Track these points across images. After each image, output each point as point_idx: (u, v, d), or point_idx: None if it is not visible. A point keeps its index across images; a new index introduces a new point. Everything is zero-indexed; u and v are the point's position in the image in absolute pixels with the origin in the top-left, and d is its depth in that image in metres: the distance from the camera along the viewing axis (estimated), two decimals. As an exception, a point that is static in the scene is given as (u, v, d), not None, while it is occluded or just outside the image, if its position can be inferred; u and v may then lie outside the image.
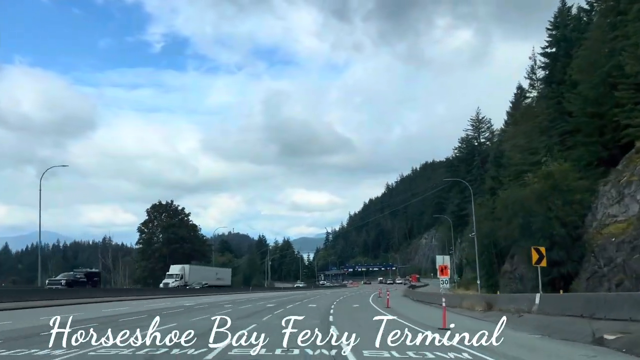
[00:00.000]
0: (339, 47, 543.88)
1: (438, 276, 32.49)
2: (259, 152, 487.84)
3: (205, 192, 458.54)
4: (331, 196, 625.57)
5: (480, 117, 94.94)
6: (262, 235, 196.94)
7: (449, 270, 31.75)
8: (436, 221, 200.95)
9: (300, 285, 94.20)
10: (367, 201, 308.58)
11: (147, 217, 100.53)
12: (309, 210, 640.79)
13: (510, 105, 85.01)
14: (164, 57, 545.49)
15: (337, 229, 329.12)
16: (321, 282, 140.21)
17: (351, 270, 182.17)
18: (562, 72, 48.57)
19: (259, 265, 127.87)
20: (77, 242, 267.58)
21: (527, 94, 64.79)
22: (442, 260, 35.37)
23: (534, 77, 61.98)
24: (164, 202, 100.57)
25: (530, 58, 62.51)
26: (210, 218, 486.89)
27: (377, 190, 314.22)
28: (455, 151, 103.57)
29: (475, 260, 58.95)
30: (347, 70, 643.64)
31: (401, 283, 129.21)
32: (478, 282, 45.60)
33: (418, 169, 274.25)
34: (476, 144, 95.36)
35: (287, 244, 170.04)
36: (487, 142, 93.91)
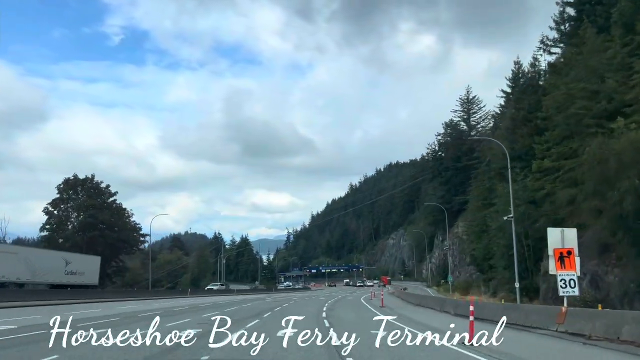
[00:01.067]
0: (302, 47, 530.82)
1: (554, 271, 16.11)
2: (218, 151, 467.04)
3: (163, 191, 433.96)
4: (292, 198, 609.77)
5: (470, 97, 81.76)
6: (218, 233, 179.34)
7: (576, 261, 15.80)
8: (405, 220, 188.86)
9: (257, 287, 77.99)
10: (330, 201, 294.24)
11: (57, 196, 74.87)
12: (270, 211, 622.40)
13: (509, 82, 71.95)
14: (123, 51, 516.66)
15: (298, 229, 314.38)
16: (284, 284, 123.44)
17: (314, 271, 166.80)
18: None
19: (211, 265, 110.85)
20: (20, 238, 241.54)
21: (551, 50, 51.15)
22: (562, 238, 16.49)
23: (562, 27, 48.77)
24: (81, 177, 75.01)
25: (557, 4, 49.37)
26: (168, 217, 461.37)
27: (340, 193, 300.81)
28: (439, 137, 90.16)
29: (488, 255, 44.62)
30: (311, 71, 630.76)
31: (372, 285, 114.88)
32: (517, 285, 30.80)
33: (382, 170, 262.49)
34: (465, 127, 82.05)
35: (244, 242, 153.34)
36: (479, 125, 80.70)
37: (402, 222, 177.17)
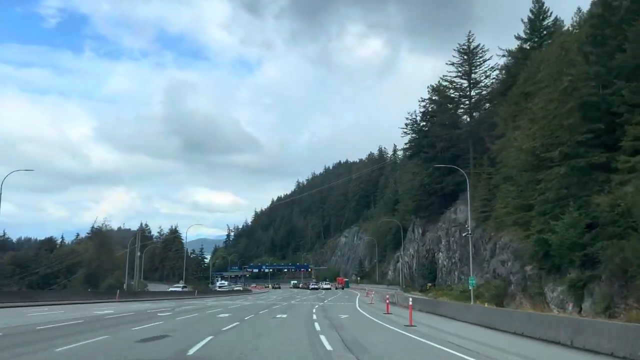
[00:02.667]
0: (248, 42, 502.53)
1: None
2: (158, 146, 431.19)
3: (98, 185, 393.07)
4: (235, 197, 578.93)
5: (472, 47, 61.51)
6: (146, 225, 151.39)
7: None
8: (359, 217, 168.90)
9: (179, 289, 54.48)
10: (275, 198, 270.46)
11: None
12: (211, 210, 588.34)
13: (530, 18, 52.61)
14: (59, 35, 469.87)
15: (240, 227, 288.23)
16: (219, 284, 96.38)
17: (256, 270, 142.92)
18: None
19: (120, 258, 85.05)
20: None
21: None
22: None
23: None
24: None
25: None
26: (103, 213, 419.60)
27: (285, 193, 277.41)
28: (423, 104, 69.39)
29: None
30: (259, 69, 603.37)
31: (329, 288, 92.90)
32: None
33: (331, 167, 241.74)
34: (466, 84, 61.79)
35: (174, 235, 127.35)
36: (486, 79, 60.34)
37: (357, 219, 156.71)
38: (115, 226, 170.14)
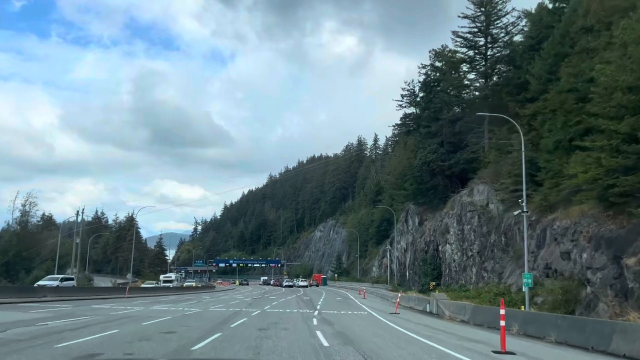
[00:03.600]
0: (220, 34, 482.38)
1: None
2: (126, 137, 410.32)
3: (63, 175, 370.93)
4: (205, 192, 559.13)
5: (489, -3, 50.01)
6: (102, 213, 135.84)
7: None
8: (337, 210, 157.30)
9: (54, 283, 36.53)
10: (246, 192, 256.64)
11: None
12: (180, 204, 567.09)
13: None
14: (24, 19, 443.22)
15: (208, 220, 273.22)
16: (164, 278, 67.29)
17: (222, 265, 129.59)
18: None
19: (67, 248, 71.19)
20: None
21: None
22: None
23: None
24: None
25: None
26: (67, 204, 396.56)
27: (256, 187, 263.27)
28: (425, 69, 57.79)
29: None
30: (232, 63, 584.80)
31: (306, 285, 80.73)
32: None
33: (305, 162, 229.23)
34: (482, 40, 50.12)
35: (130, 222, 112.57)
36: (509, 34, 48.67)
37: (333, 212, 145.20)
38: (79, 219, 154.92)
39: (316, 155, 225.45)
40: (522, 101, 42.24)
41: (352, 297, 43.19)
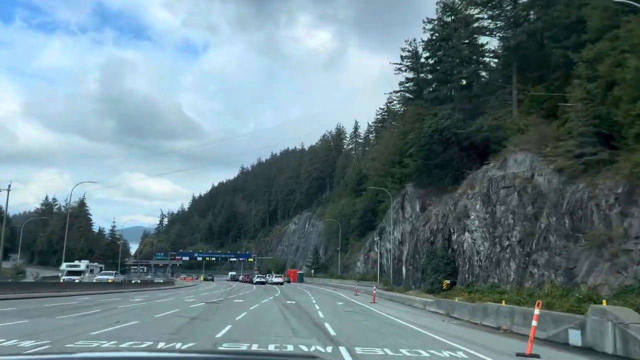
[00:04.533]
0: (191, 24, 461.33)
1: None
2: (93, 127, 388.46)
3: (26, 165, 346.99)
4: (175, 185, 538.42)
5: None
6: (53, 199, 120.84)
7: None
8: (313, 201, 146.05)
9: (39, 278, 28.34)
10: (216, 184, 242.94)
11: None
12: (149, 198, 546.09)
13: None
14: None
15: (175, 212, 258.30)
16: (74, 269, 46.84)
17: (186, 258, 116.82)
18: None
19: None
20: None
21: None
22: None
23: None
24: None
25: None
26: (31, 195, 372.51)
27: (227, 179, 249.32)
28: (432, 25, 47.15)
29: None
30: (205, 54, 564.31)
31: (281, 282, 69.17)
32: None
33: (279, 154, 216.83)
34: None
35: (80, 207, 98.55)
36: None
37: (309, 204, 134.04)
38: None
39: (290, 149, 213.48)
40: (572, 47, 32.08)
41: (356, 301, 31.83)
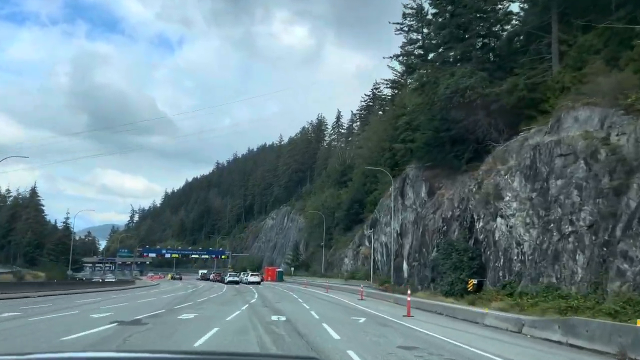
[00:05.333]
0: (165, 17, 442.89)
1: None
2: (65, 121, 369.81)
3: None
4: (150, 183, 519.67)
5: None
6: (7, 191, 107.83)
7: None
8: (292, 195, 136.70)
9: None
10: (189, 179, 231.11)
11: None
12: (123, 195, 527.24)
13: None
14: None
15: (147, 208, 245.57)
16: None
17: (153, 256, 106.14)
18: None
19: None
20: None
21: None
22: None
23: None
24: None
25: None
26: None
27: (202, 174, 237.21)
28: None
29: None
30: (179, 49, 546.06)
31: (258, 282, 59.41)
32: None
33: (255, 149, 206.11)
34: None
35: (33, 196, 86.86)
36: None
37: (288, 198, 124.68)
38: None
39: (268, 144, 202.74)
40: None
41: (374, 311, 22.27)
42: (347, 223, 74.11)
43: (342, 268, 62.22)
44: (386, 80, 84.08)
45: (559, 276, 22.41)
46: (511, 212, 27.38)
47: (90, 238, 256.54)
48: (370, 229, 52.04)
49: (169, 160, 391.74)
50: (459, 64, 36.20)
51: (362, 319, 17.61)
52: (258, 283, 57.05)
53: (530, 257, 24.96)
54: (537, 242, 24.35)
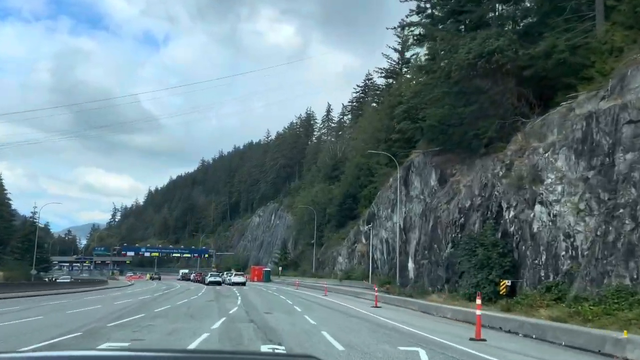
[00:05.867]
0: (150, 14, 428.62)
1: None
2: (46, 119, 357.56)
3: None
4: (134, 182, 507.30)
5: None
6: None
7: None
8: (280, 191, 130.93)
9: None
10: (174, 177, 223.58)
11: None
12: (107, 194, 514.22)
13: None
14: None
15: (129, 206, 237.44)
16: None
17: (132, 254, 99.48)
18: None
19: None
20: None
21: None
22: None
23: None
24: None
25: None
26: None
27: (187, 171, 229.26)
28: None
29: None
30: (165, 47, 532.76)
31: (243, 282, 53.10)
32: None
33: (242, 147, 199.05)
34: None
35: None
36: None
37: (276, 194, 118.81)
38: None
39: (255, 141, 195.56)
40: None
41: (407, 326, 15.99)
42: (340, 219, 68.68)
43: (336, 267, 56.68)
44: (380, 69, 78.88)
45: (635, 276, 17.12)
46: (555, 198, 22.10)
47: (70, 237, 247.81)
48: (368, 225, 46.58)
49: (154, 158, 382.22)
50: (477, 31, 30.90)
51: (418, 350, 10.91)
52: (243, 284, 51.16)
53: (587, 253, 19.66)
54: (598, 233, 19.04)
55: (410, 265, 36.59)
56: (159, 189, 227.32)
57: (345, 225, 67.43)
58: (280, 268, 77.23)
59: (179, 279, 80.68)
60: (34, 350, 8.64)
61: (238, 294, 34.43)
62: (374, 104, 79.32)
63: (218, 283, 51.55)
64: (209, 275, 52.92)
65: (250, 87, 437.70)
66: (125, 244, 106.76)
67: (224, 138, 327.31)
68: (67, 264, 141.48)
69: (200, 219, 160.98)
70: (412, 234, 37.13)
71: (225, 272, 64.14)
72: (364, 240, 51.09)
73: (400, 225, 40.45)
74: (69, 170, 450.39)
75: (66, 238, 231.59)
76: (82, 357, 2.32)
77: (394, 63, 78.29)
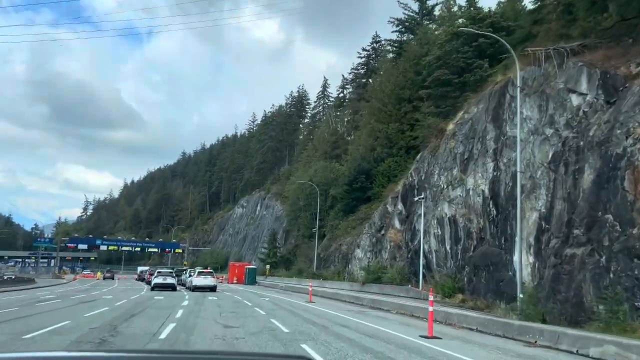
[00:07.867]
0: (126, 5, 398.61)
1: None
2: (22, 113, 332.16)
3: None
4: (115, 179, 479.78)
5: None
6: None
7: None
8: (268, 177, 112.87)
9: None
10: (152, 169, 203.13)
11: None
12: (88, 191, 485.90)
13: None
14: None
15: (102, 199, 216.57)
16: None
17: (84, 247, 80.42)
18: None
19: None
20: None
21: None
22: None
23: None
24: None
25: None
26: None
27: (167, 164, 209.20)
28: None
29: None
30: (148, 42, 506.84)
31: (212, 287, 34.85)
32: None
33: (225, 138, 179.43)
34: None
35: None
36: None
37: (262, 181, 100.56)
38: None
39: (239, 134, 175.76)
40: None
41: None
42: (349, 202, 51.24)
43: (352, 264, 38.74)
44: (396, 19, 62.07)
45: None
46: None
47: (37, 231, 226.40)
48: (417, 197, 28.96)
49: (135, 155, 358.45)
50: None
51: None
52: (213, 288, 32.58)
53: None
54: None
55: (523, 259, 19.08)
56: (135, 181, 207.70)
57: (355, 210, 50.12)
58: (268, 266, 59.39)
59: (135, 278, 62.23)
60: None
61: (178, 317, 16.20)
62: (390, 59, 62.37)
63: (171, 287, 32.38)
64: (156, 274, 33.66)
65: (234, 82, 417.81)
66: (76, 236, 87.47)
67: (208, 133, 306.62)
68: (20, 260, 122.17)
69: (176, 212, 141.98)
70: (528, 200, 19.64)
71: (189, 270, 45.23)
72: (397, 225, 33.61)
73: (484, 191, 23.11)
74: (48, 166, 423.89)
75: (33, 233, 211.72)
76: (82, 357, 2.33)
77: (414, 14, 62.13)
